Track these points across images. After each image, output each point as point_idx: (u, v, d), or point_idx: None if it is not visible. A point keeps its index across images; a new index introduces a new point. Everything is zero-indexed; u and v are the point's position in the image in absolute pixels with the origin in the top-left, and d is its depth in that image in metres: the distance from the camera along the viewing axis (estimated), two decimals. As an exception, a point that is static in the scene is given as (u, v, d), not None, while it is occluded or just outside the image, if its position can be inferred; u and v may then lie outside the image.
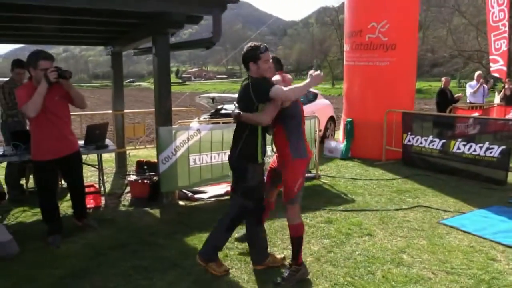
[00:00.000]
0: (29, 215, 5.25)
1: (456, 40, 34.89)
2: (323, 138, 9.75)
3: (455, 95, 10.75)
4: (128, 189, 6.16)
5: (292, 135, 3.46)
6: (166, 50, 5.44)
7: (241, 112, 3.40)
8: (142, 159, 6.63)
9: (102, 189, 5.76)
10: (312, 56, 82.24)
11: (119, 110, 7.82)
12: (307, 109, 9.52)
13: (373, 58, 8.45)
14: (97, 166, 5.65)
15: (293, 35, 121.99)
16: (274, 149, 3.67)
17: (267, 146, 3.62)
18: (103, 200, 5.73)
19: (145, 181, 5.89)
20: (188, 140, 5.62)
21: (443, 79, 11.03)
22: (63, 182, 5.95)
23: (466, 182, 6.72)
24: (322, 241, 4.38)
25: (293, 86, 3.43)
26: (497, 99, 11.87)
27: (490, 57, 11.11)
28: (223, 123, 6.61)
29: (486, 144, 6.71)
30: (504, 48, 10.57)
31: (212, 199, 5.91)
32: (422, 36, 36.88)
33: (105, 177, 7.17)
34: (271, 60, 3.52)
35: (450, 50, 35.70)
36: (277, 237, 4.47)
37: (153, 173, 6.00)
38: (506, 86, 11.12)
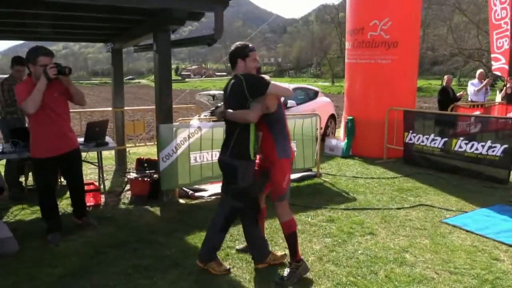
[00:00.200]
0: (28, 213, 5.21)
1: (457, 38, 34.89)
2: (324, 136, 9.71)
3: (457, 94, 10.71)
4: (128, 187, 6.13)
5: (278, 137, 3.52)
6: (167, 47, 5.39)
7: (228, 110, 3.41)
8: (142, 157, 6.60)
9: (102, 187, 5.73)
10: (312, 54, 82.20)
11: (119, 107, 7.77)
12: (308, 107, 9.52)
13: (375, 56, 8.41)
14: (96, 164, 5.61)
15: (293, 33, 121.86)
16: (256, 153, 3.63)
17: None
18: (103, 198, 5.68)
19: (145, 179, 5.84)
20: (189, 137, 5.58)
21: (445, 77, 10.99)
22: (62, 179, 5.90)
23: (468, 181, 6.68)
24: (324, 240, 4.35)
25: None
26: (498, 97, 11.81)
27: (492, 55, 11.07)
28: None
29: (489, 143, 6.67)
30: (506, 46, 10.52)
31: (213, 197, 5.87)
32: (422, 34, 36.76)
33: (105, 175, 7.15)
34: (257, 59, 3.55)
35: (450, 48, 35.69)
36: (279, 236, 4.43)
37: (153, 171, 5.96)
38: (508, 85, 11.07)
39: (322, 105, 10.27)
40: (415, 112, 8.37)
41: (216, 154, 5.80)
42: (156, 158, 5.72)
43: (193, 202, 5.73)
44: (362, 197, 5.90)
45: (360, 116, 8.77)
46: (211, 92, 9.51)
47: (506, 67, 10.65)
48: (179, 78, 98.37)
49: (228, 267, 3.71)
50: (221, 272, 3.62)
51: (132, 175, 6.07)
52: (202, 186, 6.11)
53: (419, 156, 7.80)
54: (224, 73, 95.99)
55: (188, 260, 3.87)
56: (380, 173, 7.30)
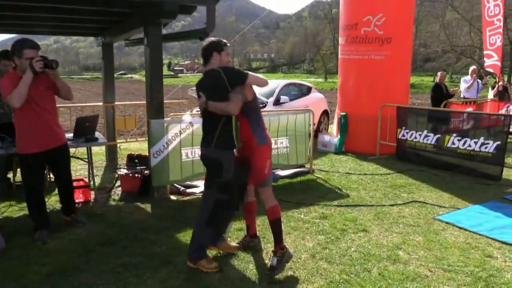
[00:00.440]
0: (16, 209, 5.10)
1: (449, 35, 35.02)
2: (316, 132, 9.67)
3: (451, 89, 10.71)
4: (118, 183, 6.03)
5: (256, 126, 3.61)
6: (158, 41, 5.30)
7: (210, 102, 3.43)
8: (133, 153, 6.50)
9: (91, 183, 5.63)
10: (305, 49, 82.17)
11: (109, 102, 7.66)
12: (301, 102, 9.47)
13: (368, 52, 8.37)
14: (86, 160, 5.51)
15: (286, 29, 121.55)
16: (239, 144, 3.69)
17: None
18: (92, 195, 5.59)
19: (136, 175, 5.76)
20: (181, 133, 5.49)
21: (439, 73, 10.99)
22: (51, 176, 5.79)
23: (461, 178, 6.68)
24: (317, 237, 4.30)
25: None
26: (490, 94, 11.86)
27: (485, 52, 11.07)
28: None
29: (481, 140, 6.67)
30: (499, 43, 10.53)
31: (205, 193, 5.80)
32: (415, 31, 36.86)
33: (95, 171, 7.04)
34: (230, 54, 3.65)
35: (443, 45, 35.86)
36: (271, 233, 4.34)
37: (144, 167, 5.88)
38: (500, 83, 11.10)
39: (315, 101, 10.23)
40: (408, 108, 8.36)
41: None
42: (147, 154, 5.63)
43: (185, 198, 5.66)
44: (355, 193, 5.86)
45: (353, 112, 8.73)
46: None
47: (499, 64, 10.66)
48: (172, 73, 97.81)
49: (218, 264, 3.65)
50: (212, 270, 3.56)
51: (123, 171, 5.98)
52: (194, 182, 6.03)
53: (412, 153, 7.79)
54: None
55: (178, 258, 3.80)
56: (373, 170, 7.28)
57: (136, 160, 6.13)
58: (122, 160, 7.30)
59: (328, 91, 34.23)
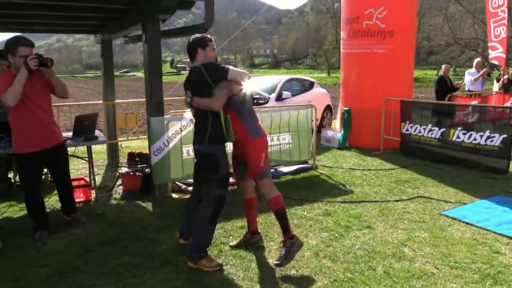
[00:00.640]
0: (16, 210, 5.05)
1: (452, 28, 34.69)
2: (319, 128, 9.58)
3: (456, 83, 10.56)
4: (119, 182, 5.98)
5: (246, 119, 3.58)
6: (157, 38, 5.22)
7: (195, 98, 3.45)
8: (134, 151, 6.44)
9: (92, 182, 5.57)
10: (307, 45, 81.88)
11: (110, 101, 7.59)
12: (304, 98, 9.37)
13: (370, 45, 8.25)
14: (86, 159, 5.45)
15: (288, 24, 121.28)
16: (231, 137, 3.67)
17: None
18: (93, 194, 5.53)
19: (137, 174, 5.70)
20: (181, 130, 5.42)
21: (443, 66, 10.82)
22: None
23: (466, 172, 6.57)
24: (321, 234, 4.22)
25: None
26: (495, 87, 11.69)
27: (489, 44, 10.90)
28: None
29: (487, 133, 6.55)
30: (504, 34, 10.36)
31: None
32: (418, 24, 36.61)
33: (96, 170, 6.99)
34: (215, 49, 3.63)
35: (446, 38, 35.56)
36: (274, 231, 4.30)
37: (145, 165, 5.81)
38: (505, 76, 10.94)
39: (318, 96, 10.12)
40: (412, 102, 8.25)
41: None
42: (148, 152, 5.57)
43: (186, 196, 5.57)
44: (359, 189, 5.77)
45: (357, 106, 8.63)
46: None
47: (504, 55, 10.50)
48: (175, 70, 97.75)
49: (220, 262, 3.59)
50: (213, 268, 3.49)
51: (124, 169, 5.92)
52: (196, 180, 5.96)
53: (416, 147, 7.68)
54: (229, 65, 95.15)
55: (179, 257, 3.74)
56: (377, 165, 7.18)
57: (137, 158, 6.07)
58: (123, 159, 7.23)
59: (332, 86, 34.13)
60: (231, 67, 3.46)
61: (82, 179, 5.78)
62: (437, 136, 7.31)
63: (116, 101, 7.86)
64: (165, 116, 5.57)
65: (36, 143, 3.95)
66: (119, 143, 7.76)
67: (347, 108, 8.76)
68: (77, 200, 5.30)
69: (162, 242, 4.07)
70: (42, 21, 6.21)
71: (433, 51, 43.67)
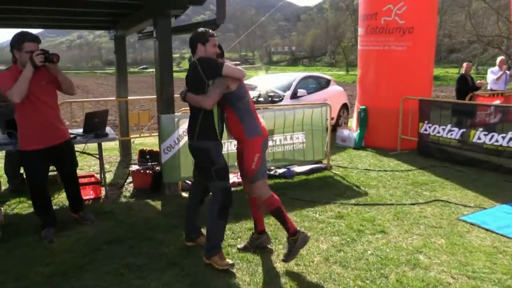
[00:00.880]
0: (25, 206, 5.04)
1: (475, 25, 33.84)
2: (335, 126, 9.39)
3: (477, 82, 10.21)
4: (130, 179, 5.92)
5: (244, 116, 3.50)
6: (167, 33, 5.14)
7: (188, 93, 3.42)
8: (144, 148, 6.38)
9: (102, 179, 5.53)
10: (326, 42, 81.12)
11: (123, 97, 7.55)
12: (319, 96, 9.19)
13: (388, 42, 8.03)
14: (97, 156, 5.41)
15: (307, 21, 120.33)
16: (231, 136, 3.69)
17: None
18: (103, 191, 5.49)
19: (147, 171, 5.63)
20: (192, 128, 5.32)
21: (464, 64, 10.48)
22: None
23: (487, 175, 6.31)
24: (332, 238, 4.07)
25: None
26: (519, 86, 11.30)
27: (513, 41, 10.53)
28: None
29: (510, 134, 6.28)
30: (528, 32, 9.98)
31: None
32: (439, 21, 35.86)
33: (109, 166, 7.00)
34: (217, 45, 3.53)
35: (468, 35, 34.75)
36: (283, 234, 4.13)
37: (155, 163, 5.75)
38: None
39: (334, 94, 9.92)
40: (431, 101, 7.98)
41: (225, 144, 5.55)
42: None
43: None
44: (374, 191, 5.59)
45: (373, 105, 8.42)
46: None
47: (529, 53, 10.10)
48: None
49: (231, 262, 3.51)
50: (223, 267, 3.43)
51: (134, 167, 5.86)
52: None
53: (434, 148, 7.44)
54: (238, 62, 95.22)
55: (185, 259, 3.65)
56: (394, 166, 6.97)
57: (148, 156, 6.01)
58: (136, 156, 7.20)
59: (350, 84, 33.64)
60: (227, 63, 3.37)
61: (93, 176, 5.75)
62: (457, 137, 7.06)
63: (129, 97, 7.82)
64: (176, 113, 5.49)
65: (42, 140, 3.91)
66: (132, 140, 7.73)
67: (363, 107, 8.56)
68: (86, 197, 5.29)
69: (168, 243, 3.99)
70: (58, 17, 6.18)
71: (455, 49, 42.76)
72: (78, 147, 5.86)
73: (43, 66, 3.71)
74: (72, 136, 4.96)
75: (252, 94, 8.44)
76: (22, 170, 5.93)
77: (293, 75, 9.74)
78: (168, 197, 5.38)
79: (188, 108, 3.62)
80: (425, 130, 7.58)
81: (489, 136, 6.58)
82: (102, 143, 5.45)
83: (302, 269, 3.47)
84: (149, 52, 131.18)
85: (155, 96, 5.74)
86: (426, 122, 7.57)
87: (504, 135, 6.36)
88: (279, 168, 6.34)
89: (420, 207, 4.97)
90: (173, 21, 6.15)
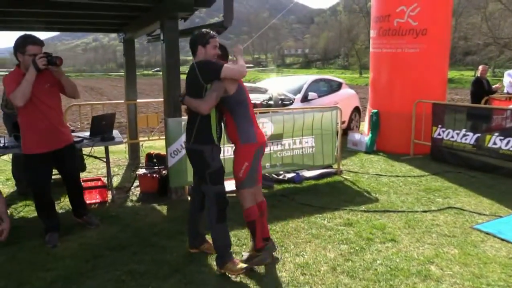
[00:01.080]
0: (32, 209, 4.99)
1: (492, 27, 33.31)
2: (347, 130, 9.24)
3: (493, 86, 9.96)
4: (137, 183, 5.87)
5: (240, 121, 3.45)
6: (175, 36, 5.08)
7: (186, 97, 3.38)
8: (152, 151, 6.33)
9: (109, 183, 5.48)
10: (339, 44, 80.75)
11: (132, 100, 7.52)
12: (331, 99, 9.06)
13: (401, 45, 7.86)
14: (103, 159, 5.37)
15: (320, 23, 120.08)
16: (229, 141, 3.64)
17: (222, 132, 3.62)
18: (109, 195, 5.45)
19: (154, 175, 5.57)
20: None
21: (480, 67, 10.24)
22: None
23: (503, 181, 6.10)
24: (340, 246, 3.95)
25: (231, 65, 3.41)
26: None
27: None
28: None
29: (527, 139, 6.08)
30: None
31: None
32: (454, 23, 35.36)
33: (117, 169, 6.97)
34: (218, 47, 3.48)
35: (484, 38, 34.21)
36: (290, 241, 4.06)
37: (162, 167, 5.69)
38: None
39: (346, 97, 9.77)
40: (445, 105, 7.78)
41: (228, 150, 5.48)
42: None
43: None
44: (385, 197, 5.45)
45: (386, 109, 8.25)
46: None
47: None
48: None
49: (245, 265, 3.42)
50: (238, 272, 3.36)
51: (141, 170, 5.81)
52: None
53: (448, 153, 7.25)
54: (251, 65, 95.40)
55: (189, 267, 3.57)
56: (406, 171, 6.81)
57: (155, 160, 5.95)
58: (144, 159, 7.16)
59: (363, 87, 33.32)
60: (226, 65, 3.31)
61: (99, 179, 5.71)
62: (472, 142, 6.86)
63: (137, 100, 7.79)
64: (183, 117, 5.42)
65: (45, 144, 3.87)
66: (141, 143, 7.69)
67: (375, 111, 8.40)
68: (92, 201, 5.25)
69: (172, 249, 3.91)
70: (67, 20, 6.18)
71: (470, 51, 42.12)
72: (85, 150, 5.86)
73: (46, 69, 3.68)
74: (78, 139, 4.94)
75: (263, 97, 8.34)
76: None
77: (304, 78, 9.62)
78: (174, 201, 5.31)
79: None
80: (439, 134, 7.39)
81: (505, 141, 6.37)
82: (111, 146, 5.41)
83: (308, 278, 3.36)
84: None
85: (161, 100, 5.68)
86: (439, 126, 7.38)
87: (521, 140, 6.16)
88: (288, 172, 6.23)
89: (432, 214, 4.81)
90: (183, 23, 6.11)
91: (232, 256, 3.48)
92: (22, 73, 3.66)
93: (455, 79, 39.47)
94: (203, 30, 3.49)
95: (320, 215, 4.75)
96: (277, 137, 5.94)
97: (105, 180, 5.72)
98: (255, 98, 8.36)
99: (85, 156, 6.13)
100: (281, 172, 6.18)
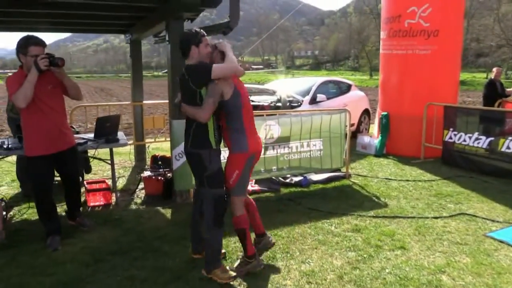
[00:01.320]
0: (35, 212, 4.88)
1: (504, 28, 32.90)
2: (356, 133, 9.09)
3: (507, 90, 9.72)
4: (142, 185, 5.80)
5: (233, 129, 3.36)
6: (180, 36, 4.98)
7: (183, 104, 3.32)
8: (157, 154, 6.25)
9: (113, 185, 5.42)
10: (349, 46, 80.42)
11: (138, 101, 7.47)
12: (339, 101, 8.92)
13: (412, 46, 7.71)
14: (108, 161, 5.31)
15: (330, 25, 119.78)
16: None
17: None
18: (114, 197, 5.38)
19: (159, 178, 5.50)
20: (204, 134, 5.16)
21: (494, 69, 10.01)
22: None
23: (517, 186, 5.94)
24: (347, 254, 3.82)
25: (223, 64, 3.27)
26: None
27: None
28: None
29: (542, 144, 5.90)
30: None
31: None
32: (466, 25, 34.96)
33: (122, 171, 6.90)
34: (209, 45, 3.39)
35: (497, 39, 33.79)
36: (296, 247, 3.95)
37: (167, 169, 5.61)
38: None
39: (355, 99, 9.63)
40: (457, 107, 7.61)
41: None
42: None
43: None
44: (395, 202, 5.31)
45: (396, 111, 8.10)
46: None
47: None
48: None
49: (234, 274, 3.33)
50: (226, 280, 3.26)
51: (146, 173, 5.74)
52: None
53: (460, 157, 7.07)
54: (261, 66, 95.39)
55: (190, 273, 3.47)
56: (416, 175, 6.65)
57: (160, 162, 5.88)
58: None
59: (373, 89, 33.01)
60: (215, 64, 3.19)
61: (104, 181, 5.65)
62: (484, 146, 6.69)
63: (144, 101, 7.73)
64: (188, 119, 5.34)
65: (47, 146, 3.82)
66: (147, 145, 7.63)
67: (385, 113, 8.25)
68: (96, 203, 5.19)
69: (175, 255, 3.82)
70: (74, 21, 6.14)
71: (483, 53, 41.61)
72: (90, 152, 5.80)
73: (49, 70, 3.62)
74: (83, 141, 4.88)
75: (271, 99, 8.24)
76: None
77: (313, 80, 9.49)
78: (179, 205, 5.23)
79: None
80: (450, 138, 7.22)
81: (519, 145, 6.20)
82: (117, 148, 5.34)
83: (314, 287, 3.24)
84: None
85: (167, 101, 5.60)
86: (451, 129, 7.21)
87: (536, 144, 5.98)
88: (295, 176, 6.11)
89: (443, 221, 4.66)
90: (189, 24, 6.03)
91: (220, 263, 3.40)
92: (25, 75, 3.61)
93: (467, 81, 39.00)
94: (193, 29, 3.42)
95: (328, 221, 4.63)
96: (284, 140, 5.83)
97: (109, 182, 5.66)
98: (263, 100, 8.26)
99: (90, 158, 6.08)
100: (288, 176, 6.07)
